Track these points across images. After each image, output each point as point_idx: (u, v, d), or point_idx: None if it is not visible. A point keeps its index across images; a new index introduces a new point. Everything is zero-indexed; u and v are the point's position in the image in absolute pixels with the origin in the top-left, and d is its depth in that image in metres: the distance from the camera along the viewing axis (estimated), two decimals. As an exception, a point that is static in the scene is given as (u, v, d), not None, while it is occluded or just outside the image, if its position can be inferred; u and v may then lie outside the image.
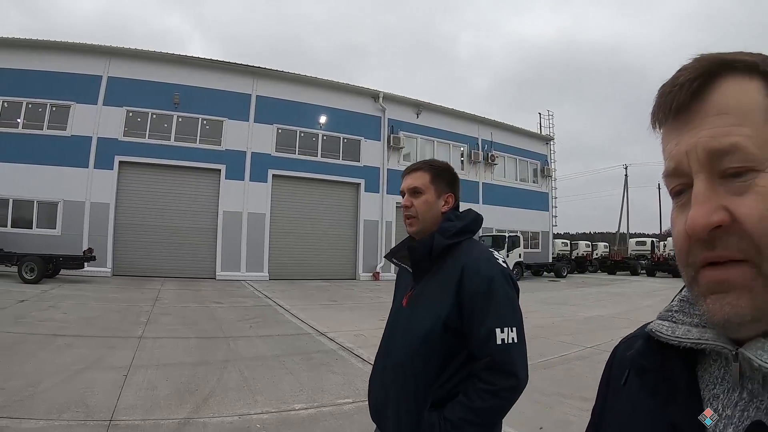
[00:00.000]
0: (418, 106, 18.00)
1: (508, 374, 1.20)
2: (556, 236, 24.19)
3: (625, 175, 35.06)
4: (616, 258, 25.99)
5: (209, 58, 15.70)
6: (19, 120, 14.91)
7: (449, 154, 18.61)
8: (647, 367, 0.51)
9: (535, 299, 13.55)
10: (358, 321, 9.09)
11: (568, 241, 25.89)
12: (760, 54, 0.44)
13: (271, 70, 16.24)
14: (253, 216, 15.72)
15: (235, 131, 15.71)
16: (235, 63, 15.91)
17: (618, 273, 24.72)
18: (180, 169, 15.15)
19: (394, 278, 1.55)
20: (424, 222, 1.39)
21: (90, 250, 13.14)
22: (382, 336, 1.49)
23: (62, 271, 13.05)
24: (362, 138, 17.09)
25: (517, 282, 1.34)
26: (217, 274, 15.25)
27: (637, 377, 0.53)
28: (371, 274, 16.95)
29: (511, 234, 18.40)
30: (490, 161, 18.94)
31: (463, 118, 19.04)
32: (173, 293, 12.23)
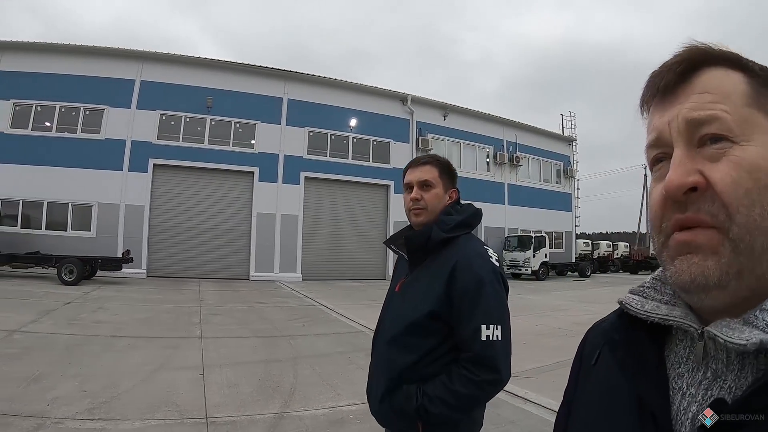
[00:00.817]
0: (445, 109, 17.69)
1: (491, 369, 1.19)
2: (578, 236, 23.75)
3: (645, 175, 33.93)
4: (638, 258, 25.40)
5: (241, 62, 15.37)
6: (47, 123, 14.51)
7: (475, 156, 18.30)
8: (617, 340, 0.52)
9: (567, 298, 13.25)
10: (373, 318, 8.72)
11: (590, 241, 25.37)
12: (747, 58, 0.45)
13: (301, 73, 15.93)
14: (286, 218, 15.33)
15: (268, 134, 15.37)
16: (266, 67, 15.59)
17: (640, 272, 24.19)
18: (214, 171, 14.77)
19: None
20: (431, 215, 1.37)
21: (128, 252, 12.72)
22: (377, 321, 1.49)
23: (98, 273, 12.68)
24: (391, 140, 16.74)
25: (507, 281, 1.32)
26: (251, 274, 14.83)
27: (609, 352, 0.53)
28: (401, 274, 16.37)
29: (537, 234, 18.03)
30: (515, 162, 18.62)
31: (488, 120, 18.75)
32: (214, 294, 11.92)
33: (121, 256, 12.62)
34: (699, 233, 0.41)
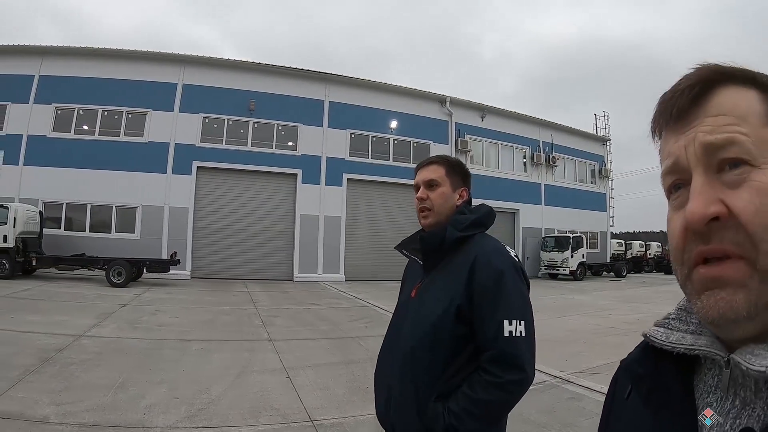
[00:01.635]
0: (483, 110, 17.13)
1: (515, 367, 1.09)
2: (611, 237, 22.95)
3: None
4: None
5: (282, 65, 14.84)
6: (90, 127, 14.01)
7: (513, 157, 17.71)
8: (642, 374, 0.49)
9: (609, 298, 12.81)
10: None
11: (623, 241, 24.54)
12: (760, 72, 0.43)
13: (341, 76, 15.46)
14: (329, 219, 14.77)
15: (310, 136, 14.84)
16: (307, 69, 15.10)
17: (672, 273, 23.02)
18: (257, 173, 14.25)
19: None
20: (439, 215, 1.28)
21: (175, 254, 12.10)
22: (386, 331, 1.38)
23: (143, 274, 12.14)
24: (431, 142, 16.15)
25: (528, 277, 1.23)
26: (294, 276, 14.22)
27: (634, 388, 0.50)
28: (441, 275, 15.70)
29: (574, 235, 17.37)
30: (551, 163, 18.01)
31: (524, 120, 18.19)
32: (264, 295, 11.45)
33: (169, 257, 12.00)
34: (726, 267, 0.38)
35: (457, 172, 1.34)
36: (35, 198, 13.09)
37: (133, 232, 13.58)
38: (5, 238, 11.38)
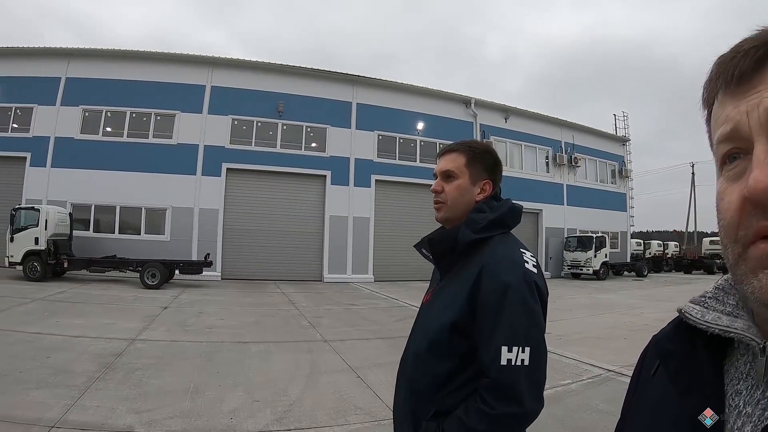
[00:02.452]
0: (506, 111, 16.73)
1: (510, 400, 0.92)
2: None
3: (692, 173, 32.13)
4: (692, 257, 23.89)
5: (310, 67, 14.41)
6: (119, 129, 13.51)
7: (536, 157, 17.33)
8: (671, 350, 0.46)
9: (635, 296, 12.58)
10: None
11: (642, 241, 24.13)
12: None
13: (368, 77, 15.05)
14: (358, 220, 14.31)
15: (338, 138, 14.40)
16: (335, 72, 14.68)
17: (693, 272, 22.78)
18: (286, 175, 13.77)
19: None
20: (453, 210, 1.11)
21: (208, 255, 11.59)
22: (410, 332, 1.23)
23: (174, 276, 11.63)
24: (456, 143, 15.63)
25: (546, 290, 1.01)
26: (324, 276, 13.71)
27: (662, 362, 0.46)
28: (468, 276, 15.24)
29: (597, 235, 16.97)
30: (573, 164, 17.63)
31: (546, 121, 17.79)
32: (300, 296, 11.13)
33: (203, 259, 11.49)
34: None
35: (482, 161, 1.13)
36: (63, 200, 12.58)
37: (162, 233, 13.08)
38: (36, 240, 10.86)
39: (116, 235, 12.99)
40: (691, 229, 31.37)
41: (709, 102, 0.41)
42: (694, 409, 0.40)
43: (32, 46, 13.80)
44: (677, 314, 0.46)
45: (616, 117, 19.57)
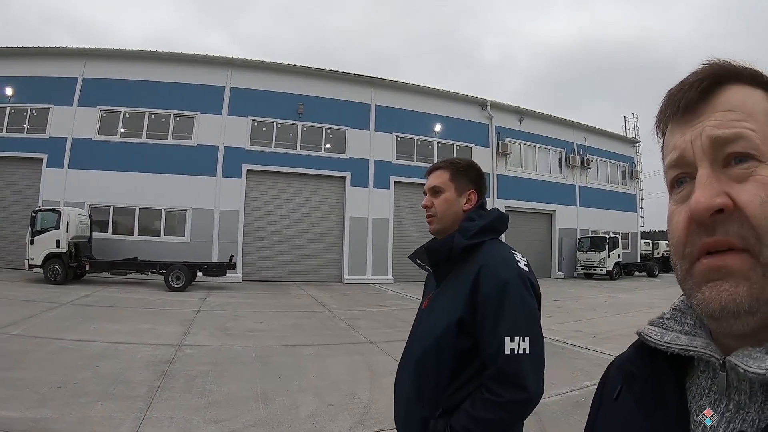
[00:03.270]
0: (521, 113, 16.51)
1: (516, 386, 0.97)
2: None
3: None
4: None
5: (329, 69, 14.07)
6: (137, 130, 13.06)
7: (549, 159, 17.11)
8: (635, 373, 0.46)
9: (653, 296, 12.36)
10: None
11: (650, 241, 24.08)
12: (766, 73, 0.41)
13: (387, 80, 14.73)
14: (378, 221, 14.00)
15: (358, 139, 14.08)
16: (353, 73, 14.35)
17: None
18: (306, 176, 13.40)
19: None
20: (443, 221, 1.18)
21: (232, 257, 11.20)
22: (407, 340, 1.27)
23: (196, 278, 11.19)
24: (473, 145, 15.47)
25: (538, 286, 1.10)
26: (344, 277, 13.38)
27: (626, 387, 0.46)
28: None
29: (611, 235, 16.81)
30: (585, 165, 17.48)
31: (559, 123, 17.57)
32: (326, 298, 10.93)
33: (227, 261, 11.11)
34: (729, 257, 0.35)
35: (465, 174, 1.20)
36: (81, 201, 12.11)
37: (183, 235, 12.64)
38: (58, 242, 10.40)
39: (135, 237, 12.53)
40: None
41: (662, 131, 0.43)
42: (661, 429, 0.40)
43: (47, 46, 13.29)
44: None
45: (626, 118, 19.49)
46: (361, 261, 13.59)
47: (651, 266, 18.69)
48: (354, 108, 14.15)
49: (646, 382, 0.44)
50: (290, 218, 13.32)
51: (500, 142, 15.61)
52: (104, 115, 13.03)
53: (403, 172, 14.29)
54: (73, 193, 12.39)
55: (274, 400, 3.60)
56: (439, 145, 15.01)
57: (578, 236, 17.13)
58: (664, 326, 0.45)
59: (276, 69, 13.66)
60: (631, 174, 19.08)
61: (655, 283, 16.29)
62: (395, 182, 14.29)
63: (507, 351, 0.97)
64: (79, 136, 12.76)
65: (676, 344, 0.41)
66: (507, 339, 0.98)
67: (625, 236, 18.28)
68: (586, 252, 16.71)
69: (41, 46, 13.31)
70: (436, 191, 1.19)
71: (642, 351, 0.46)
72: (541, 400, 1.04)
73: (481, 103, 15.71)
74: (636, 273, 18.29)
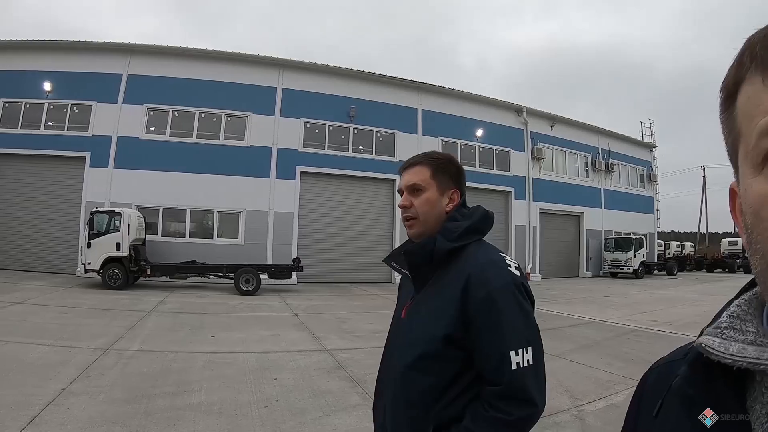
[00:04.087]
0: (552, 119, 16.87)
1: (525, 402, 0.89)
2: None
3: (704, 176, 32.50)
4: (714, 257, 24.45)
5: (379, 72, 13.90)
6: (176, 129, 12.46)
7: (577, 163, 17.53)
8: (696, 398, 0.37)
9: (686, 292, 12.66)
10: (596, 309, 8.95)
11: (662, 242, 24.90)
12: None
13: (432, 85, 14.71)
14: (426, 223, 13.81)
15: (405, 143, 13.95)
16: (401, 78, 14.22)
17: (715, 271, 23.34)
18: (358, 179, 13.17)
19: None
20: (425, 224, 1.03)
21: (298, 259, 10.85)
22: (384, 348, 1.13)
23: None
24: (510, 149, 15.66)
25: (531, 292, 0.96)
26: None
27: (683, 409, 0.38)
28: (522, 276, 15.19)
29: (636, 236, 17.33)
30: (610, 169, 18.03)
31: (585, 129, 18.03)
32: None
33: (293, 263, 10.78)
34: None
35: (446, 171, 1.07)
36: (128, 202, 11.43)
37: (236, 237, 12.15)
38: (118, 246, 9.76)
39: (187, 239, 11.94)
40: (703, 230, 32.52)
41: (731, 90, 0.32)
42: None
43: (88, 40, 12.46)
44: (692, 347, 0.39)
45: (642, 124, 20.32)
46: (411, 262, 13.44)
47: (671, 265, 19.31)
48: (402, 112, 14.04)
49: (706, 405, 0.36)
50: (343, 220, 13.10)
51: (535, 147, 15.93)
52: (151, 113, 12.35)
53: (449, 176, 14.28)
54: (118, 194, 11.67)
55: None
56: (480, 149, 15.14)
57: (603, 237, 17.66)
58: (724, 336, 0.37)
59: (326, 71, 13.36)
60: (649, 177, 19.90)
61: (678, 281, 16.75)
62: (442, 185, 14.24)
63: (513, 366, 0.89)
64: (125, 135, 12.03)
65: (744, 357, 0.34)
66: (512, 353, 0.89)
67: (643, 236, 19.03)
68: (612, 252, 17.20)
69: (80, 40, 12.47)
70: (415, 189, 1.05)
71: (697, 367, 0.38)
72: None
73: (517, 109, 15.96)
74: (655, 272, 18.80)
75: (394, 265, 1.09)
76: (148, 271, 10.04)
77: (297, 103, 12.90)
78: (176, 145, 12.23)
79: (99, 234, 9.81)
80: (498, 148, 15.38)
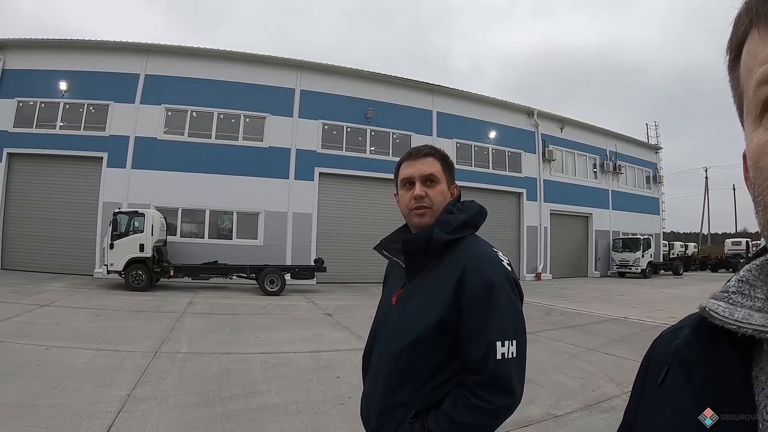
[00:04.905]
0: (562, 122, 16.80)
1: (505, 391, 0.92)
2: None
3: (706, 177, 32.49)
4: (718, 257, 24.51)
5: (395, 75, 13.71)
6: (194, 129, 12.15)
7: (586, 165, 17.49)
8: (696, 361, 0.36)
9: (695, 290, 12.63)
10: (613, 307, 8.92)
11: (667, 242, 24.98)
12: None
13: (446, 87, 14.55)
14: (442, 224, 13.65)
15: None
16: (416, 80, 14.04)
17: (719, 271, 23.36)
18: (376, 180, 12.90)
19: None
20: (436, 214, 1.03)
21: (321, 260, 10.60)
22: (368, 337, 1.16)
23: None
24: (522, 151, 15.54)
25: (521, 288, 0.99)
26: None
27: (682, 375, 0.37)
28: (534, 275, 15.20)
29: (644, 237, 17.32)
30: (617, 170, 17.98)
31: (593, 131, 17.93)
32: None
33: (316, 263, 10.54)
34: None
35: (450, 166, 1.11)
36: (146, 203, 11.07)
37: (255, 238, 11.86)
38: (142, 247, 9.45)
39: (206, 239, 11.62)
40: (705, 231, 32.62)
41: (737, 42, 0.31)
42: (728, 428, 0.32)
43: (104, 39, 12.10)
44: (698, 311, 0.37)
45: (648, 126, 20.33)
46: (427, 262, 13.27)
47: (677, 265, 19.33)
48: (417, 114, 13.87)
49: (709, 371, 0.35)
50: (360, 221, 12.85)
51: (545, 148, 15.87)
52: (169, 113, 12.03)
53: (463, 177, 14.12)
54: (136, 194, 11.33)
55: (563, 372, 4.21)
56: (493, 151, 15.03)
57: (611, 237, 17.63)
58: (731, 301, 0.35)
59: (343, 73, 13.14)
60: (655, 179, 19.94)
61: (685, 280, 16.72)
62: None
63: (498, 356, 0.90)
64: (143, 135, 11.70)
65: (750, 324, 0.32)
66: (498, 344, 0.91)
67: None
68: (620, 252, 17.14)
69: (97, 39, 12.11)
70: (430, 180, 1.04)
71: (701, 332, 0.36)
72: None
73: (529, 112, 15.88)
74: (662, 272, 18.73)
75: (385, 253, 1.10)
76: (172, 272, 9.73)
77: (315, 104, 12.67)
78: (195, 145, 11.93)
79: (121, 235, 9.48)
80: (510, 149, 15.28)
